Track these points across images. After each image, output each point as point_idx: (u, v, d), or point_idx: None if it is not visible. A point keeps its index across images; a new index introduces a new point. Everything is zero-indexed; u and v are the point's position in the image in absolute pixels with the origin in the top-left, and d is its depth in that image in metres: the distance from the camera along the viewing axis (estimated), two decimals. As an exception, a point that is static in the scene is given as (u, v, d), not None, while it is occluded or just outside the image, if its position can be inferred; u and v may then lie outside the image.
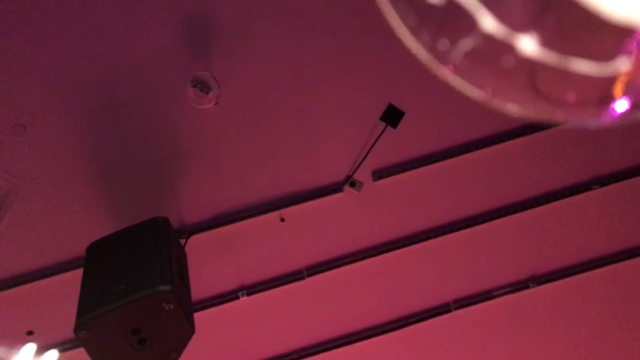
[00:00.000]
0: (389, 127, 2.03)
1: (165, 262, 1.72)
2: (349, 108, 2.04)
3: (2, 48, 1.90)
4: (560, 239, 2.17)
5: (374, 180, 2.09)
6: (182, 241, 2.01)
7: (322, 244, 2.14)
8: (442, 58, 0.58)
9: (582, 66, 0.54)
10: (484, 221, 2.13)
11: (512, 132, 2.08)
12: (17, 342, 1.99)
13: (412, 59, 0.59)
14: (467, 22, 0.54)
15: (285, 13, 1.96)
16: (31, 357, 1.97)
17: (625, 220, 2.17)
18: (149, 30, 1.95)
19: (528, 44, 0.54)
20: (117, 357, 1.70)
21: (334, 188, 2.08)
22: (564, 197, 2.12)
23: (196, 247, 2.04)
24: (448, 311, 2.18)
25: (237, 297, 2.13)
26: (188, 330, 1.72)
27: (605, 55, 0.54)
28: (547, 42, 0.54)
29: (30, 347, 1.99)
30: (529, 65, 0.55)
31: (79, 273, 1.81)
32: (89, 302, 1.67)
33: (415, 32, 0.57)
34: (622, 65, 0.55)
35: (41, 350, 2.01)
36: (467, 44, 0.56)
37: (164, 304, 1.64)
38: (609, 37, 0.53)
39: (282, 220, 2.10)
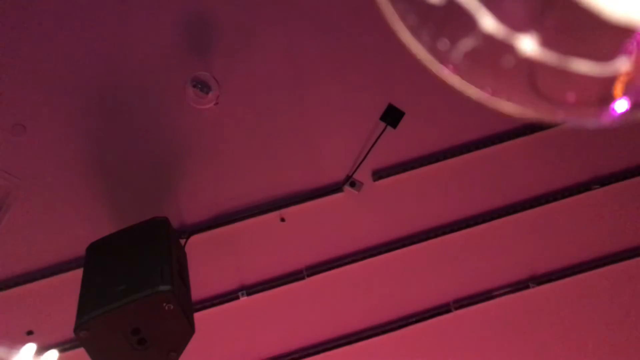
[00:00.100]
0: (389, 127, 2.03)
1: (165, 262, 1.72)
2: (349, 108, 2.04)
3: (2, 48, 1.90)
4: (560, 239, 2.17)
5: (374, 180, 2.09)
6: (182, 241, 2.01)
7: (322, 244, 2.14)
8: (442, 58, 0.58)
9: (582, 66, 0.54)
10: (484, 221, 2.13)
11: (512, 132, 2.08)
12: (17, 342, 1.99)
13: (412, 59, 0.59)
14: (467, 22, 0.54)
15: (286, 13, 1.96)
16: (31, 357, 1.97)
17: (625, 220, 2.17)
18: (149, 30, 1.95)
19: (528, 44, 0.54)
20: (117, 357, 1.70)
21: (334, 188, 2.08)
22: (564, 197, 2.12)
23: (196, 247, 2.04)
24: (448, 311, 2.18)
25: (237, 297, 2.13)
26: (188, 330, 1.72)
27: (605, 55, 0.54)
28: (547, 42, 0.54)
29: (30, 347, 1.99)
30: (529, 65, 0.55)
31: (79, 273, 1.81)
32: (89, 302, 1.67)
33: (415, 32, 0.57)
34: (622, 65, 0.55)
35: (41, 350, 2.01)
36: (467, 44, 0.56)
37: (164, 304, 1.64)
38: (609, 37, 0.53)
39: (282, 220, 2.10)
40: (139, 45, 1.96)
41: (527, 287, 2.17)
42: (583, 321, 2.21)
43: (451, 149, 2.08)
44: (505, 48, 0.54)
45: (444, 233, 2.13)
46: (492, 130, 2.08)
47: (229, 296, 2.13)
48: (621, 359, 2.24)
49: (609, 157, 2.12)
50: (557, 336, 2.22)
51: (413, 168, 2.08)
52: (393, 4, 0.56)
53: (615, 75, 0.56)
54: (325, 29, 1.99)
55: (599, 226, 2.17)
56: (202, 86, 1.92)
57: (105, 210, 2.02)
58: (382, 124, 2.03)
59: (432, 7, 0.54)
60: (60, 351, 2.05)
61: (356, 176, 2.08)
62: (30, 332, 2.06)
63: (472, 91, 0.59)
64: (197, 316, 1.84)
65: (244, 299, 2.13)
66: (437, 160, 2.08)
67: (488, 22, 0.53)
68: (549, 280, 2.17)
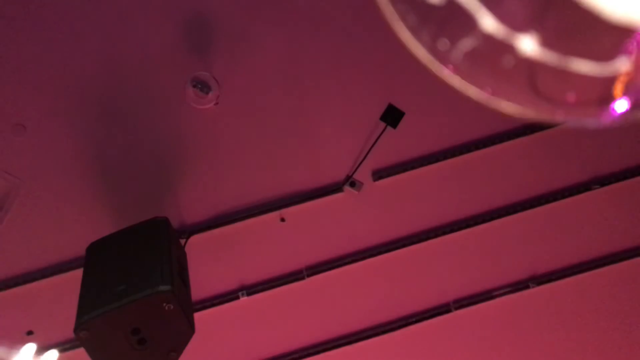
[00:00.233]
0: (389, 127, 2.03)
1: (165, 262, 1.72)
2: (349, 108, 2.04)
3: (1, 48, 1.90)
4: (560, 239, 2.17)
5: (374, 180, 2.09)
6: (182, 241, 2.01)
7: (322, 244, 2.14)
8: (442, 58, 0.58)
9: (582, 66, 0.54)
10: (484, 221, 2.13)
11: (512, 132, 2.08)
12: (17, 342, 1.99)
13: (412, 59, 0.59)
14: (467, 22, 0.54)
15: (286, 13, 1.96)
16: (31, 357, 1.97)
17: (625, 220, 2.17)
18: (149, 30, 1.95)
19: (528, 44, 0.54)
20: (117, 357, 1.70)
21: (334, 188, 2.08)
22: (564, 197, 2.12)
23: (196, 247, 2.04)
24: (448, 311, 2.18)
25: (237, 297, 2.13)
26: (188, 330, 1.72)
27: (605, 55, 0.54)
28: (547, 42, 0.54)
29: (30, 347, 1.99)
30: (529, 65, 0.55)
31: (79, 273, 1.80)
32: (89, 302, 1.67)
33: (415, 32, 0.57)
34: (622, 65, 0.55)
35: (41, 350, 2.01)
36: (467, 44, 0.56)
37: (164, 304, 1.64)
38: (609, 37, 0.53)
39: (282, 220, 2.10)
40: (139, 45, 1.96)
41: (527, 287, 2.17)
42: (583, 321, 2.21)
43: (451, 149, 2.08)
44: (505, 48, 0.54)
45: (444, 233, 2.13)
46: (492, 130, 2.08)
47: (229, 296, 2.13)
48: (621, 359, 2.24)
49: (609, 157, 2.12)
50: (558, 336, 2.22)
51: (413, 168, 2.08)
52: (393, 4, 0.56)
53: (615, 75, 0.56)
54: (325, 29, 1.99)
55: (599, 226, 2.17)
56: (202, 86, 1.92)
57: (105, 210, 2.02)
58: (382, 124, 2.03)
59: (432, 7, 0.54)
60: (60, 351, 2.05)
61: (356, 176, 2.08)
62: (30, 332, 2.06)
63: (472, 91, 0.59)
64: (197, 316, 1.84)
65: (244, 299, 2.13)
66: (437, 160, 2.08)
67: (488, 22, 0.53)
68: (549, 280, 2.17)
